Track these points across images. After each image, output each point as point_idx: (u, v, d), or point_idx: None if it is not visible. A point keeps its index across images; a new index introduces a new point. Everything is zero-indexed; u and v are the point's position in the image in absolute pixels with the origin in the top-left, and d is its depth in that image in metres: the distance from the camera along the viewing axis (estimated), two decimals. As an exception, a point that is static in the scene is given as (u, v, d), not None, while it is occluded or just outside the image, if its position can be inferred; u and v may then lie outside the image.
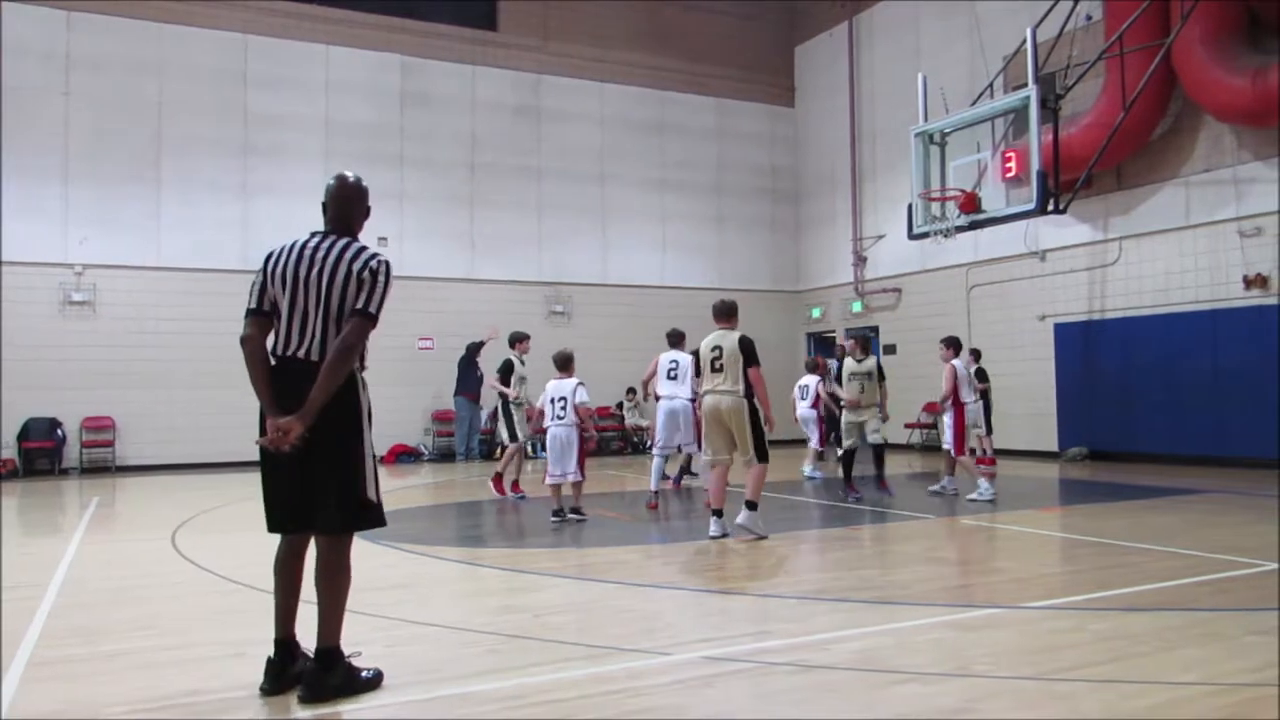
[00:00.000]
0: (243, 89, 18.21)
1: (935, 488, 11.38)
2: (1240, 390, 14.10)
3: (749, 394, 8.29)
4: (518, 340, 11.81)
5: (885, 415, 11.85)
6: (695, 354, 8.88)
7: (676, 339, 11.49)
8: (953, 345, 11.19)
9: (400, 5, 19.61)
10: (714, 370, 8.42)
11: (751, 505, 8.26)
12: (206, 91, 17.90)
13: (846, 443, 11.60)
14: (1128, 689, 4.04)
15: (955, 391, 10.88)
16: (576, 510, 9.69)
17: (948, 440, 11.07)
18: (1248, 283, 14.10)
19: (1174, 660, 4.46)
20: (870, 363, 11.63)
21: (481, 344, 18.28)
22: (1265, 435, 13.68)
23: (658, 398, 11.32)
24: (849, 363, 11.70)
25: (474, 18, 20.37)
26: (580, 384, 9.82)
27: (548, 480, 9.81)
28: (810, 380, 14.26)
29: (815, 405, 14.11)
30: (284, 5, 18.56)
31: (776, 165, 23.28)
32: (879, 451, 11.66)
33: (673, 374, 11.09)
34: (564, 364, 9.98)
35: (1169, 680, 4.14)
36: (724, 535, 8.34)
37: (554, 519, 9.57)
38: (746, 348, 8.33)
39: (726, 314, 8.69)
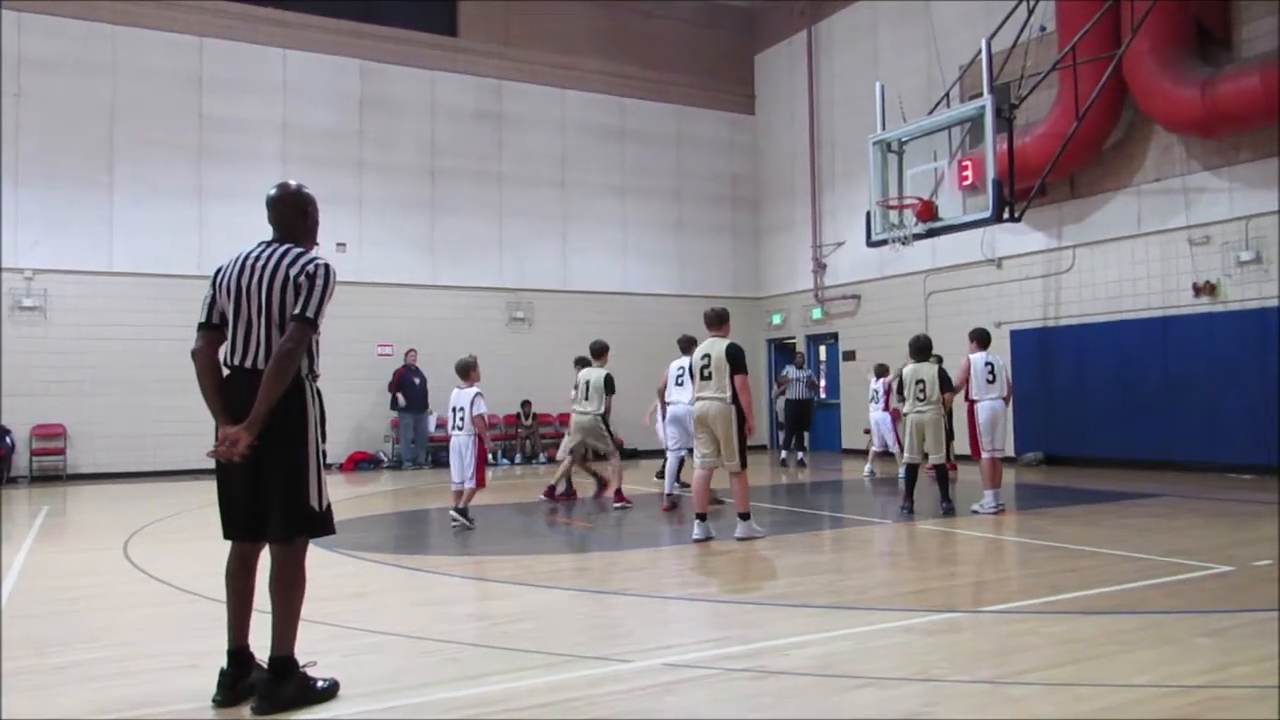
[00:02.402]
0: (198, 92, 17.98)
1: (975, 505, 10.33)
2: (1189, 396, 14.35)
3: (736, 401, 8.43)
4: (602, 351, 11.82)
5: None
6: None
7: (687, 345, 11.48)
8: (974, 338, 10.85)
9: (358, 9, 19.47)
10: (703, 378, 8.59)
11: (744, 516, 8.57)
12: (160, 95, 17.64)
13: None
14: (1082, 691, 4.09)
15: (967, 388, 10.63)
16: (463, 513, 9.72)
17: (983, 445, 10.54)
18: (1197, 290, 14.36)
19: (1127, 663, 4.51)
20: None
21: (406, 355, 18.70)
22: (1213, 440, 13.95)
23: (665, 405, 11.51)
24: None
25: (434, 22, 20.27)
26: (479, 394, 9.85)
27: (452, 486, 9.99)
28: (879, 384, 15.17)
29: (886, 408, 14.94)
30: (240, 8, 18.36)
31: (736, 172, 23.38)
32: None
33: (680, 380, 11.20)
34: (464, 372, 9.99)
35: (1122, 683, 4.20)
36: (707, 539, 8.47)
37: (455, 522, 9.84)
38: (734, 355, 8.48)
39: (718, 322, 8.84)
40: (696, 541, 8.43)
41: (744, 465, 8.57)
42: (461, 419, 9.83)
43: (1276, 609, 5.48)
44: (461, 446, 9.82)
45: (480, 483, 9.82)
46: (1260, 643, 4.79)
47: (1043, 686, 4.16)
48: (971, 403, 10.64)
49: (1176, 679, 4.23)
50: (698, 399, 8.63)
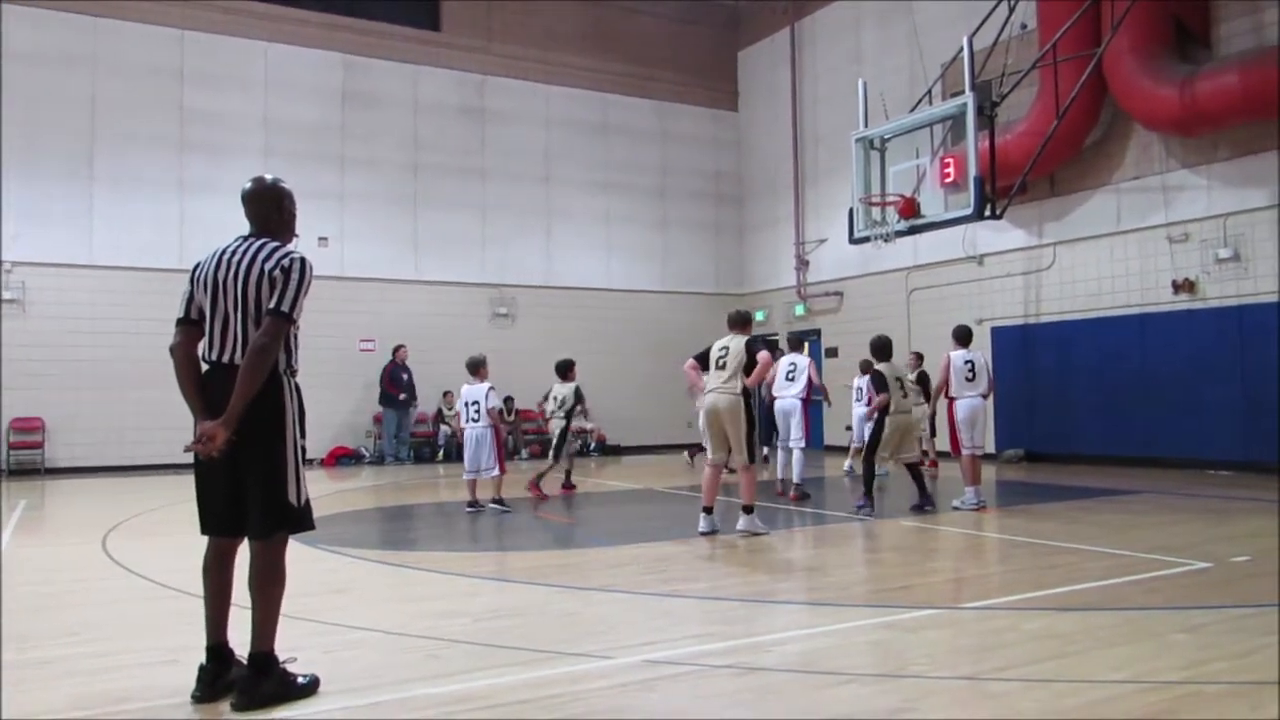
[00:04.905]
0: (179, 85, 17.84)
1: (956, 502, 10.37)
2: (1169, 393, 14.46)
3: (745, 395, 8.59)
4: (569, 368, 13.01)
5: None
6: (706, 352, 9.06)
7: (798, 343, 12.45)
8: (955, 336, 10.86)
9: (341, 3, 19.36)
10: (718, 368, 8.72)
11: (748, 509, 8.69)
12: (142, 87, 17.51)
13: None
14: (1060, 688, 4.12)
15: (946, 385, 10.61)
16: (499, 501, 10.56)
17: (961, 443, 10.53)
18: (1176, 287, 14.47)
19: (1105, 659, 4.55)
20: None
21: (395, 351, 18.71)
22: (1191, 437, 14.06)
23: (774, 398, 11.97)
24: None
25: (416, 17, 20.19)
26: (491, 388, 10.68)
27: (465, 477, 10.78)
28: (863, 381, 14.69)
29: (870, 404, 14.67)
30: (222, 2, 18.22)
31: (720, 169, 23.38)
32: None
33: (791, 375, 11.76)
34: (474, 369, 10.83)
35: (1100, 679, 4.23)
36: (713, 531, 8.61)
37: (468, 509, 10.56)
38: (751, 346, 8.64)
39: (741, 323, 8.98)
40: (702, 534, 8.54)
41: (752, 459, 8.73)
42: (476, 412, 10.60)
43: (1277, 605, 5.53)
44: (479, 438, 10.60)
45: (502, 469, 10.68)
46: (1237, 638, 4.84)
47: (1022, 683, 4.19)
48: (951, 400, 10.66)
49: (1154, 675, 4.27)
50: (709, 391, 8.73)
